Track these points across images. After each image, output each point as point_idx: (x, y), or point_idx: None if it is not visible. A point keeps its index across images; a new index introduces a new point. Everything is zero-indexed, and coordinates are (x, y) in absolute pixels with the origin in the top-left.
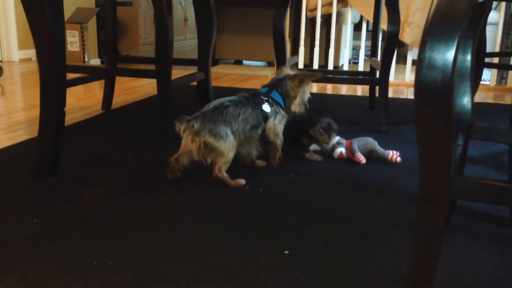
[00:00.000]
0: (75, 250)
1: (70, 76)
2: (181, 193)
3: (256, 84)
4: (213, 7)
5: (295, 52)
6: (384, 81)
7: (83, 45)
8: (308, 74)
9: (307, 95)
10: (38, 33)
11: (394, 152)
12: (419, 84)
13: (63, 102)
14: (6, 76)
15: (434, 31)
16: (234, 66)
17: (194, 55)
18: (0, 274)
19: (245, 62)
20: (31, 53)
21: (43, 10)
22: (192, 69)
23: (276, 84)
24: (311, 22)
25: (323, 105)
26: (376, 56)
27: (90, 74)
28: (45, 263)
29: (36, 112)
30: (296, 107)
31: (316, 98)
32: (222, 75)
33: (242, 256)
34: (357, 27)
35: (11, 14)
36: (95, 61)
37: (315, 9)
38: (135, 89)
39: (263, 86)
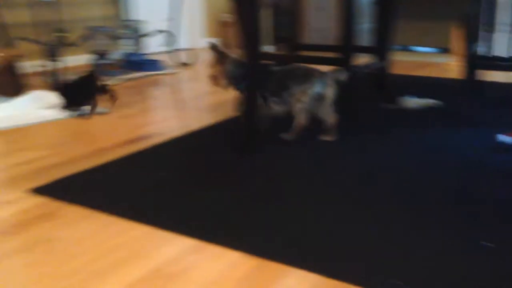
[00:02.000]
0: (275, 217)
1: None
2: (365, 181)
3: (430, 72)
4: None
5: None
6: None
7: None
8: None
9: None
10: (242, 18)
11: None
12: None
13: (261, 86)
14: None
15: None
16: (402, 52)
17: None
18: (217, 234)
19: (414, 48)
20: (216, 41)
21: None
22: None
23: None
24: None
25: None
26: None
27: (275, 61)
28: (255, 230)
29: (221, 96)
30: None
31: (504, 88)
32: (394, 62)
33: (439, 248)
34: None
35: (198, 7)
36: (269, 48)
37: None
38: None
39: None
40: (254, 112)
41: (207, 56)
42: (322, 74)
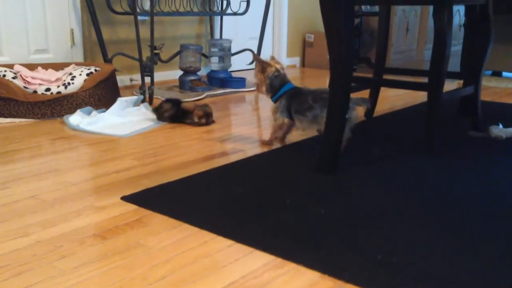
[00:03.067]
0: (357, 242)
1: None
2: (445, 206)
3: None
4: (492, 16)
5: None
6: None
7: None
8: None
9: None
10: (333, 39)
11: None
12: None
13: (347, 107)
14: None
15: None
16: (492, 77)
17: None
18: (296, 252)
19: (504, 73)
20: (296, 60)
21: (341, 18)
22: (449, 81)
23: None
24: None
25: None
26: None
27: (359, 84)
28: (334, 250)
29: None
30: None
31: None
32: (482, 88)
33: None
34: None
35: (284, 27)
36: None
37: None
38: (392, 98)
39: None
40: (336, 131)
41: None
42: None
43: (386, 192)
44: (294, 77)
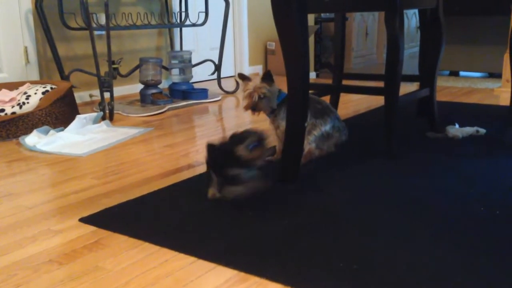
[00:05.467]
0: (321, 251)
1: None
2: (405, 208)
3: (478, 99)
4: (442, 20)
5: None
6: None
7: None
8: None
9: None
10: (288, 48)
11: None
12: None
13: (306, 115)
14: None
15: None
16: (450, 77)
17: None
18: (258, 265)
19: (461, 73)
20: (259, 68)
21: (294, 27)
22: (408, 84)
23: None
24: None
25: None
26: None
27: (317, 90)
28: (297, 260)
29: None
30: None
31: None
32: (439, 88)
33: (489, 280)
34: None
35: (245, 35)
36: (311, 75)
37: None
38: (355, 101)
39: None
40: (296, 139)
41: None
42: (336, 115)
43: (348, 198)
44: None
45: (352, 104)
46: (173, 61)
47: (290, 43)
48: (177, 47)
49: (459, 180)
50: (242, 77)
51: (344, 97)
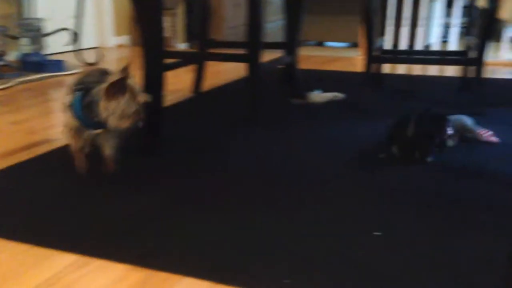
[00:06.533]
0: (176, 227)
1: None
2: (269, 177)
3: (340, 66)
4: None
5: (381, 32)
6: (480, 61)
7: (173, 30)
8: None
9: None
10: (142, 18)
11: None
12: None
13: (162, 85)
14: (103, 61)
15: None
16: (316, 48)
17: (275, 37)
18: (102, 247)
19: (327, 43)
20: (125, 39)
21: None
22: (278, 52)
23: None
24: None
25: (411, 87)
26: (470, 34)
27: (183, 59)
28: (147, 239)
29: None
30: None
31: (403, 79)
32: (305, 57)
33: (343, 238)
34: (448, 3)
35: (107, 2)
36: (183, 46)
37: None
38: (222, 72)
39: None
40: (155, 111)
41: (117, 55)
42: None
43: (213, 169)
44: (123, 57)
45: (220, 75)
46: (21, 30)
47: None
48: (31, 14)
49: (316, 143)
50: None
51: (214, 67)
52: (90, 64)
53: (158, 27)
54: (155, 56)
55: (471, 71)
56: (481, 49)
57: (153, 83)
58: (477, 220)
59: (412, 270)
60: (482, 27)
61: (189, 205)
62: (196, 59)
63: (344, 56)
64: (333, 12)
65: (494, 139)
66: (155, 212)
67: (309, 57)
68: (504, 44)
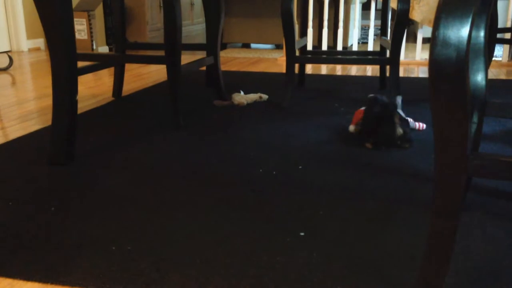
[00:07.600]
0: (93, 236)
1: (80, 64)
2: (193, 179)
3: (264, 68)
4: None
5: (303, 33)
6: (395, 61)
7: (91, 32)
8: None
9: None
10: (48, 21)
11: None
12: (434, 62)
13: (75, 90)
14: (16, 66)
15: (448, 7)
16: (242, 49)
17: (201, 40)
18: (18, 262)
19: (253, 45)
20: (40, 42)
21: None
22: (201, 54)
23: None
24: (318, 2)
25: (333, 87)
26: (386, 35)
27: (100, 62)
28: (64, 250)
29: (48, 101)
30: None
31: (325, 79)
32: (231, 59)
33: (258, 239)
34: (365, 6)
35: (18, 3)
36: (103, 49)
37: None
38: (144, 75)
39: None
40: (67, 116)
41: (30, 59)
42: None
43: (132, 176)
44: (37, 61)
45: (145, 77)
46: None
47: (50, 14)
48: None
49: (241, 145)
50: None
51: (137, 70)
52: (1, 70)
53: (66, 28)
54: (64, 59)
55: (389, 70)
56: (394, 49)
57: (63, 88)
58: (397, 216)
59: (333, 268)
60: (395, 28)
61: (107, 211)
62: (114, 62)
63: (269, 57)
64: (258, 14)
65: (422, 125)
66: (70, 222)
67: (235, 59)
68: (418, 44)
